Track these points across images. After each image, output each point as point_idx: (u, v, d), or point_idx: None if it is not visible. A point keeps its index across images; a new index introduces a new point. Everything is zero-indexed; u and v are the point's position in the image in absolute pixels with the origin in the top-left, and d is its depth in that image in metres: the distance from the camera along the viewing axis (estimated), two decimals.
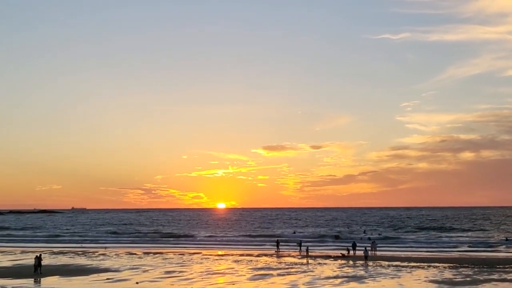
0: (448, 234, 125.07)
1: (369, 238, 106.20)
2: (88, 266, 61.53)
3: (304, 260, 67.29)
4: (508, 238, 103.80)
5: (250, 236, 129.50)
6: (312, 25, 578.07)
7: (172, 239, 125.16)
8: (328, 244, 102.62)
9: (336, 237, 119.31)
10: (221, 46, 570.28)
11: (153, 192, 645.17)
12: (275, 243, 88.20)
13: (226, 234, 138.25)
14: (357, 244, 78.18)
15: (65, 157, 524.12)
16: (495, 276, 48.54)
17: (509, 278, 47.45)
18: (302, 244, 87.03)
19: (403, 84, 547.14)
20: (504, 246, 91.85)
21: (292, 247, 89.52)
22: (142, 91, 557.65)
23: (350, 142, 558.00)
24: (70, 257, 74.01)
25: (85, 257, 74.65)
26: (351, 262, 64.10)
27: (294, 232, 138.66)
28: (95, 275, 53.18)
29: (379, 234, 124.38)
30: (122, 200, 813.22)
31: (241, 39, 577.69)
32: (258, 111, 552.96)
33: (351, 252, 74.48)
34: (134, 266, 60.62)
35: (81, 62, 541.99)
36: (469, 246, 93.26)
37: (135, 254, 79.36)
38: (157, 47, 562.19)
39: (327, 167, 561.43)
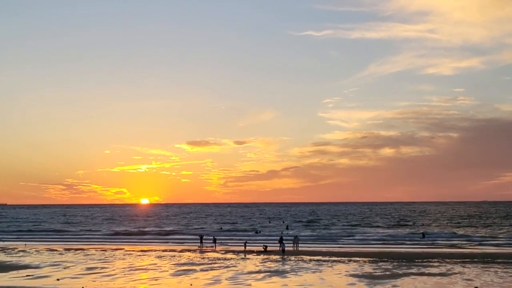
0: (368, 229, 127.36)
1: (285, 229, 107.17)
2: (7, 263, 59.87)
3: (228, 255, 67.32)
4: (425, 234, 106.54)
5: (173, 231, 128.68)
6: (236, 21, 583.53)
7: (94, 235, 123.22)
8: (250, 238, 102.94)
9: (257, 232, 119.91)
10: (145, 44, 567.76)
11: (74, 187, 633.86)
12: (199, 239, 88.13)
13: (149, 229, 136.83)
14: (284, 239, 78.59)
15: None
16: (413, 270, 49.74)
17: (426, 271, 48.72)
18: (217, 239, 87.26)
19: (326, 80, 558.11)
20: (421, 241, 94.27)
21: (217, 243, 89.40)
22: (67, 87, 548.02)
23: (273, 138, 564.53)
24: None
25: (4, 253, 72.56)
26: (273, 257, 64.52)
27: (221, 228, 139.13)
28: (15, 271, 51.78)
29: (298, 230, 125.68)
30: (42, 195, 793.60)
31: (165, 36, 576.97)
32: (182, 107, 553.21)
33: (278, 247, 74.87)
34: (55, 263, 59.35)
35: (10, 59, 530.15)
36: (388, 241, 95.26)
37: (56, 250, 77.70)
38: (83, 45, 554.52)
39: (251, 163, 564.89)
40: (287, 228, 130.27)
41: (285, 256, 65.00)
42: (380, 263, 55.83)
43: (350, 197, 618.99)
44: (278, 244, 74.71)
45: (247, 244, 79.99)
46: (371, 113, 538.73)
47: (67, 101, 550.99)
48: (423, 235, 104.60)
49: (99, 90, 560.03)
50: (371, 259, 60.40)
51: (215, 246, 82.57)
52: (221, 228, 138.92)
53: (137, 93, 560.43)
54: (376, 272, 48.45)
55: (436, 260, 58.91)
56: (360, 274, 47.49)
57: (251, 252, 72.57)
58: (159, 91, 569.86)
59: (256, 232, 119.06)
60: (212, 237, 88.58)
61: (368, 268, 51.55)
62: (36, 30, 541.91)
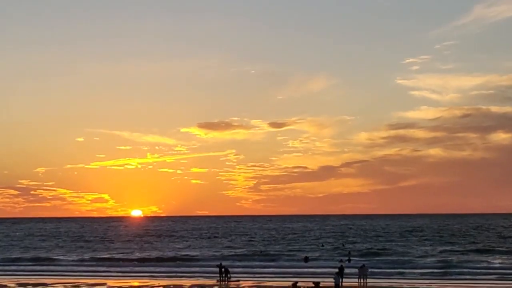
0: (475, 256, 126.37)
1: (348, 259, 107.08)
2: None
3: None
4: None
5: (178, 257, 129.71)
6: None
7: (62, 263, 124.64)
8: (296, 268, 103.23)
9: (306, 260, 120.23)
10: None
11: (32, 192, 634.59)
12: (218, 270, 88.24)
13: (144, 255, 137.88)
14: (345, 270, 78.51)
15: None
16: None
17: None
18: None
19: (407, 31, 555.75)
20: None
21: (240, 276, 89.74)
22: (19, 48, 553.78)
23: (328, 118, 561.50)
24: None
25: None
26: None
27: (260, 252, 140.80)
28: None
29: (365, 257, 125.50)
30: None
31: None
32: (192, 71, 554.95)
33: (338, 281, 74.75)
34: None
35: None
36: (507, 274, 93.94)
37: (4, 286, 78.46)
38: None
39: (294, 155, 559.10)
40: (348, 253, 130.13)
41: None
42: None
43: (445, 207, 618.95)
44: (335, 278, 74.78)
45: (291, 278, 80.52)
46: (476, 79, 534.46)
47: (16, 68, 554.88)
48: None
49: (64, 48, 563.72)
50: None
51: (228, 279, 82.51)
52: (260, 252, 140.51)
53: (125, 51, 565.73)
54: None
55: None
56: None
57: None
58: (157, 47, 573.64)
59: (305, 261, 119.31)
60: (223, 268, 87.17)
61: None
62: None
